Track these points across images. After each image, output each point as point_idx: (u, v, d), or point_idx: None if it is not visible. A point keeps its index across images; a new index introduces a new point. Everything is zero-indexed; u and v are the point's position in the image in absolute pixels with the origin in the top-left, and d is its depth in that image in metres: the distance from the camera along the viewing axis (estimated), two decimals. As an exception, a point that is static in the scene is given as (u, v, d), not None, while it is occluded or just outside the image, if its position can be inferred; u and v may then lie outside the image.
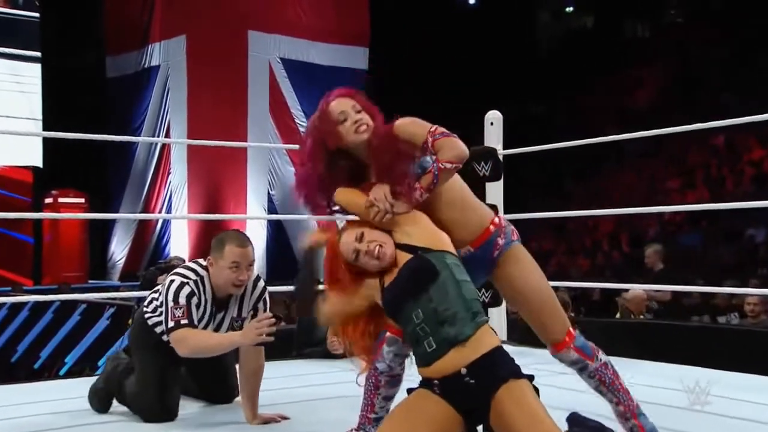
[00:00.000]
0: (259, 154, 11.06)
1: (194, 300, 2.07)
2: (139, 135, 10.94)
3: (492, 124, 3.49)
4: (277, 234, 11.19)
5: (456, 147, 1.66)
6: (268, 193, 11.32)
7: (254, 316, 2.16)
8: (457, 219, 1.75)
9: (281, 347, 3.42)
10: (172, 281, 2.09)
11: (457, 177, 1.80)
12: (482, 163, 3.35)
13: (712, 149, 10.62)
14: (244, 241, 2.12)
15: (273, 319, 1.98)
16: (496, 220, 1.83)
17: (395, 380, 1.74)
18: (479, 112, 3.59)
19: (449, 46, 13.09)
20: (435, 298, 1.60)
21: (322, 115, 1.76)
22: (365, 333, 1.71)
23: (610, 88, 12.53)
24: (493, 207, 3.43)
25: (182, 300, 2.04)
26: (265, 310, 2.18)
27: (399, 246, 1.68)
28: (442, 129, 1.71)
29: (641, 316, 4.75)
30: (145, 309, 2.19)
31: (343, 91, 1.80)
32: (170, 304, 2.04)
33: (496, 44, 13.21)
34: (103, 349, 4.08)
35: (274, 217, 10.87)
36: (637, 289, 4.58)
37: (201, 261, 2.16)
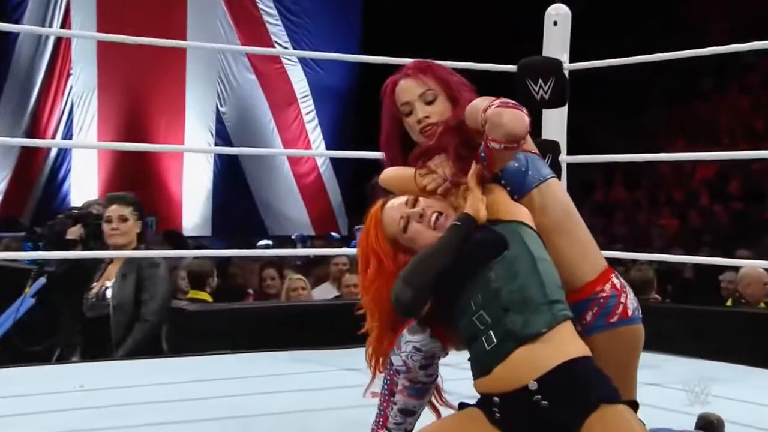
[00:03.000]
0: (204, 54, 10.93)
1: None
2: (20, 21, 10.56)
3: (555, 24, 3.44)
4: (229, 170, 11.19)
5: (502, 121, 1.67)
6: (217, 110, 11.26)
7: None
8: (551, 253, 1.75)
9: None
10: None
11: (565, 198, 1.85)
12: (539, 81, 3.29)
13: None
14: None
15: None
16: (613, 278, 1.81)
17: (419, 389, 1.78)
18: (538, 7, 3.52)
19: None
20: (500, 277, 1.64)
21: (388, 99, 1.87)
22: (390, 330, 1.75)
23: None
24: (553, 144, 3.44)
25: None
26: None
27: None
28: (500, 100, 1.71)
29: (762, 305, 4.76)
30: None
31: (412, 69, 1.87)
32: None
33: None
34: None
35: (224, 150, 10.77)
36: (753, 265, 4.54)
37: None
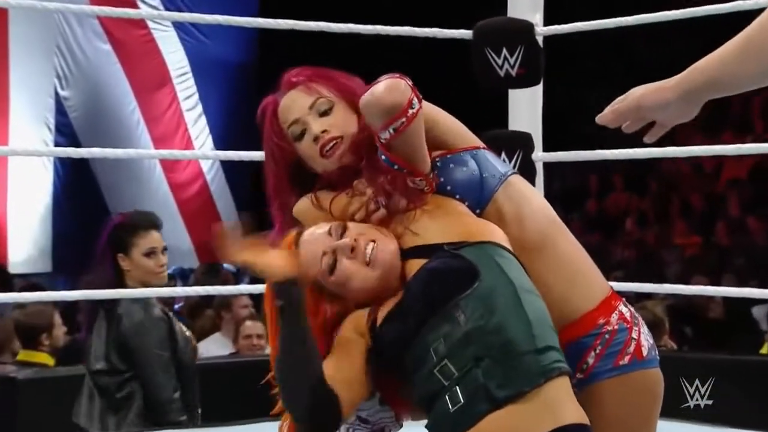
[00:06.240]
0: (36, 15, 10.81)
1: None
2: None
3: (524, -25, 3.53)
4: (76, 180, 11.05)
5: (373, 101, 1.80)
6: (57, 94, 11.13)
7: None
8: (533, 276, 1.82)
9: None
10: None
11: (539, 199, 1.95)
12: (503, 51, 3.38)
13: None
14: None
15: None
16: (620, 306, 1.89)
17: None
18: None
19: None
20: (471, 317, 1.68)
21: (269, 125, 1.95)
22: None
23: None
24: (523, 137, 3.51)
25: None
26: None
27: (408, 252, 1.78)
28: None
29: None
30: None
31: (297, 77, 1.94)
32: None
33: None
34: None
35: (67, 152, 10.51)
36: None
37: None
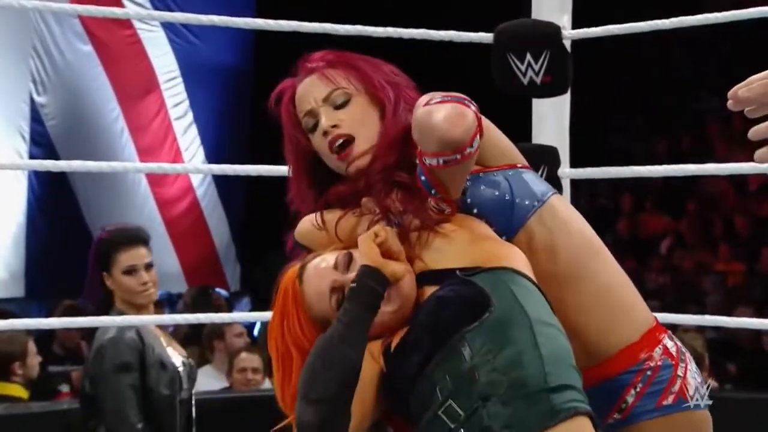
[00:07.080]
0: (10, 14, 10.86)
1: None
2: None
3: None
4: (53, 195, 11.08)
5: (431, 123, 1.75)
6: (32, 101, 11.17)
7: None
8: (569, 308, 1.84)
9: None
10: None
11: (578, 222, 1.95)
12: (527, 56, 3.40)
13: None
14: None
15: None
16: (665, 340, 1.91)
17: None
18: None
19: None
20: (477, 351, 1.69)
21: (285, 113, 1.95)
22: None
23: None
24: (548, 152, 3.51)
25: None
26: None
27: (420, 277, 1.81)
28: (443, 95, 1.80)
29: None
30: None
31: (316, 62, 1.93)
32: None
33: None
34: None
35: (44, 165, 10.50)
36: None
37: None
